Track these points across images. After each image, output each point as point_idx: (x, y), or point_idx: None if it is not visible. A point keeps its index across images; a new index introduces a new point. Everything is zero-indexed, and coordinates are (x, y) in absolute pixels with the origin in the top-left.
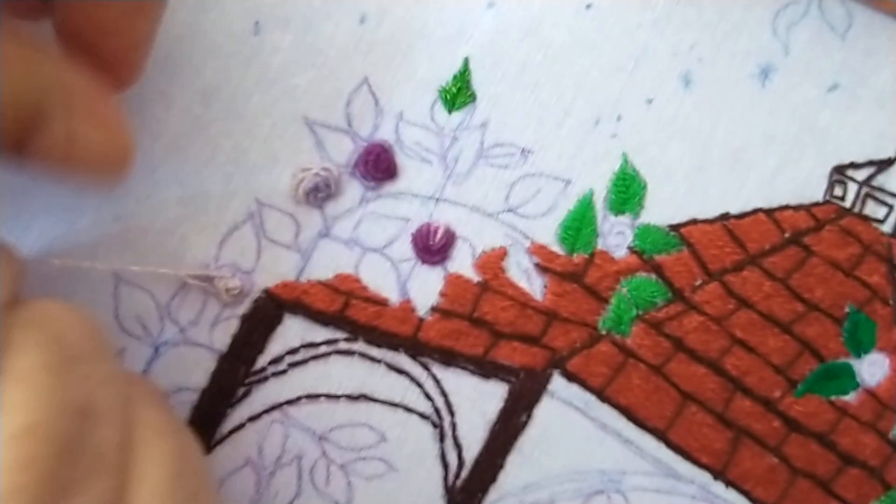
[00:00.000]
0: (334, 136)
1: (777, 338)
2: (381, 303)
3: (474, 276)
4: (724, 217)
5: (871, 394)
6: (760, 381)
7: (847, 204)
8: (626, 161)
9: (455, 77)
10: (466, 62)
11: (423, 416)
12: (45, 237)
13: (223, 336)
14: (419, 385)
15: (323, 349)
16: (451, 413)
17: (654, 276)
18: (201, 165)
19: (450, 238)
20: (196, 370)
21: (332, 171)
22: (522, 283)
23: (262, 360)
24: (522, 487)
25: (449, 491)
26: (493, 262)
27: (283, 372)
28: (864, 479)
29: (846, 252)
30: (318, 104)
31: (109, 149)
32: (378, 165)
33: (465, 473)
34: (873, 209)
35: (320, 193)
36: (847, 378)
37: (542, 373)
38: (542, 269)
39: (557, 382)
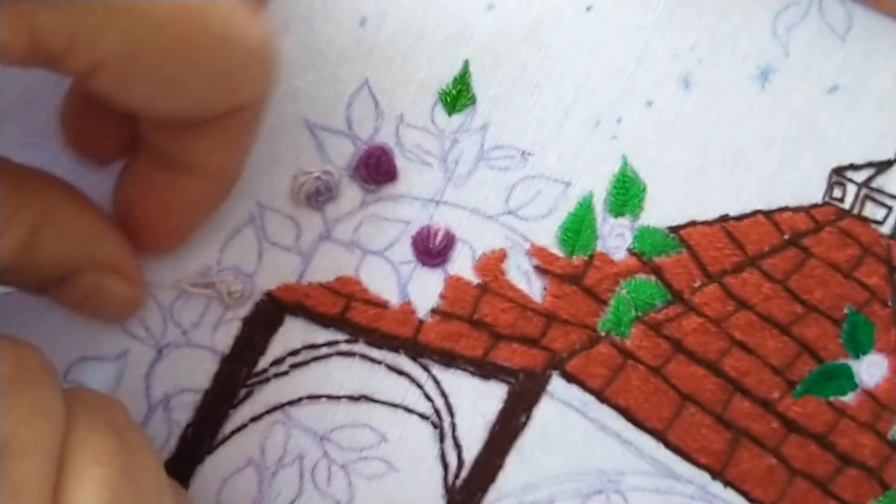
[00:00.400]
0: (335, 139)
1: (776, 339)
2: (382, 305)
3: (474, 279)
4: (724, 219)
5: (869, 395)
6: (759, 383)
7: (846, 205)
8: (625, 163)
9: (455, 79)
10: (466, 64)
11: (423, 416)
12: None
13: (225, 338)
14: (419, 386)
15: (324, 350)
16: (451, 414)
17: (653, 278)
18: None
19: (450, 240)
20: (199, 372)
21: (334, 174)
22: (522, 285)
23: (263, 362)
24: (522, 487)
25: (449, 491)
26: (492, 265)
27: (285, 373)
28: (862, 479)
29: (845, 253)
30: (318, 106)
31: (125, 301)
32: (378, 168)
33: (464, 473)
34: (872, 211)
35: (321, 197)
36: (846, 379)
37: (542, 374)
38: (542, 271)
39: (557, 383)
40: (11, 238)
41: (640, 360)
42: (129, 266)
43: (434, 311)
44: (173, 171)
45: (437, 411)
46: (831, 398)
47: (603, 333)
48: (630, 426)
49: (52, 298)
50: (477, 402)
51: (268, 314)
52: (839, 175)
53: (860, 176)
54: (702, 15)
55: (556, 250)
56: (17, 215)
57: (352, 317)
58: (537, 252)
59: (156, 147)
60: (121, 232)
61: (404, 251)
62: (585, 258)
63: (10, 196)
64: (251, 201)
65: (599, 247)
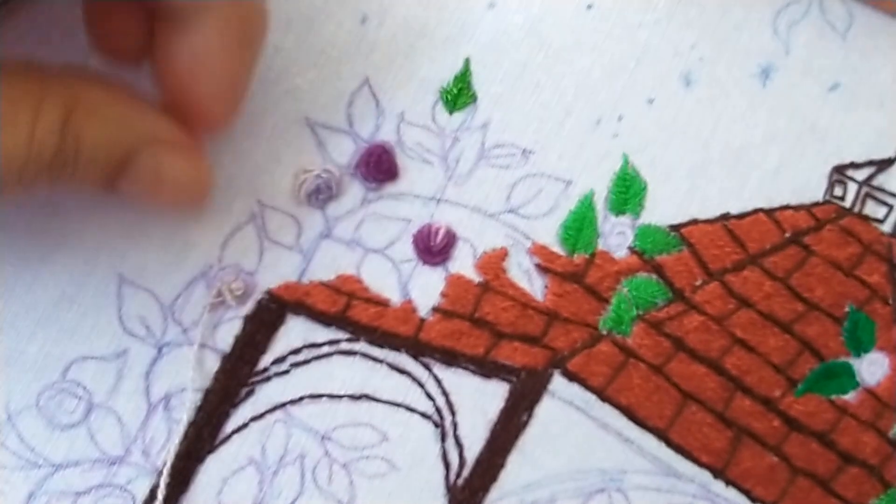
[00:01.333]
0: (336, 137)
1: (777, 337)
2: (383, 303)
3: (475, 277)
4: (725, 217)
5: (870, 393)
6: (760, 381)
7: (847, 204)
8: (626, 161)
9: (456, 77)
10: (467, 63)
11: (424, 415)
12: (47, 242)
13: (226, 336)
14: (421, 385)
15: (325, 349)
16: (453, 412)
17: (654, 277)
18: None
19: (451, 239)
20: (200, 371)
21: (334, 172)
22: (523, 284)
23: (265, 361)
24: (523, 486)
25: (451, 490)
26: (493, 263)
27: (286, 372)
28: (863, 477)
29: (846, 252)
30: (319, 105)
31: (190, 178)
32: (379, 167)
33: (466, 472)
34: (873, 209)
35: (322, 195)
36: (847, 377)
37: (543, 372)
38: (543, 269)
39: (558, 382)
40: (45, 123)
41: (641, 358)
42: (181, 137)
43: (435, 310)
44: (186, 25)
45: (438, 410)
46: (832, 396)
47: (604, 332)
48: (631, 425)
49: (120, 197)
50: (478, 400)
51: (269, 312)
52: (840, 173)
53: (861, 174)
54: (703, 13)
55: (558, 248)
56: (44, 101)
57: (353, 315)
58: (538, 250)
59: (164, 7)
60: (165, 109)
61: (405, 249)
62: (586, 256)
63: (36, 85)
64: (252, 199)
65: (600, 245)
